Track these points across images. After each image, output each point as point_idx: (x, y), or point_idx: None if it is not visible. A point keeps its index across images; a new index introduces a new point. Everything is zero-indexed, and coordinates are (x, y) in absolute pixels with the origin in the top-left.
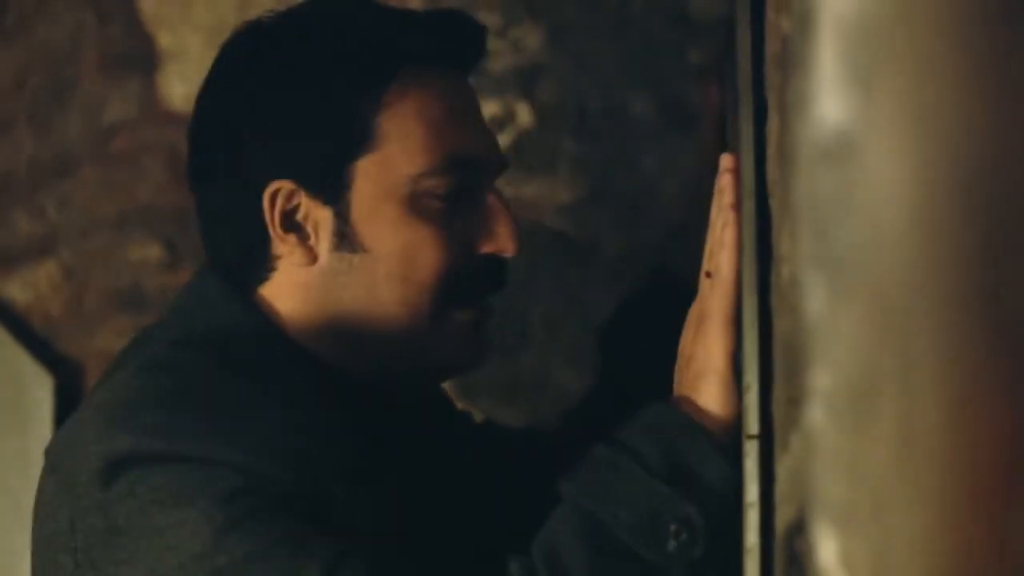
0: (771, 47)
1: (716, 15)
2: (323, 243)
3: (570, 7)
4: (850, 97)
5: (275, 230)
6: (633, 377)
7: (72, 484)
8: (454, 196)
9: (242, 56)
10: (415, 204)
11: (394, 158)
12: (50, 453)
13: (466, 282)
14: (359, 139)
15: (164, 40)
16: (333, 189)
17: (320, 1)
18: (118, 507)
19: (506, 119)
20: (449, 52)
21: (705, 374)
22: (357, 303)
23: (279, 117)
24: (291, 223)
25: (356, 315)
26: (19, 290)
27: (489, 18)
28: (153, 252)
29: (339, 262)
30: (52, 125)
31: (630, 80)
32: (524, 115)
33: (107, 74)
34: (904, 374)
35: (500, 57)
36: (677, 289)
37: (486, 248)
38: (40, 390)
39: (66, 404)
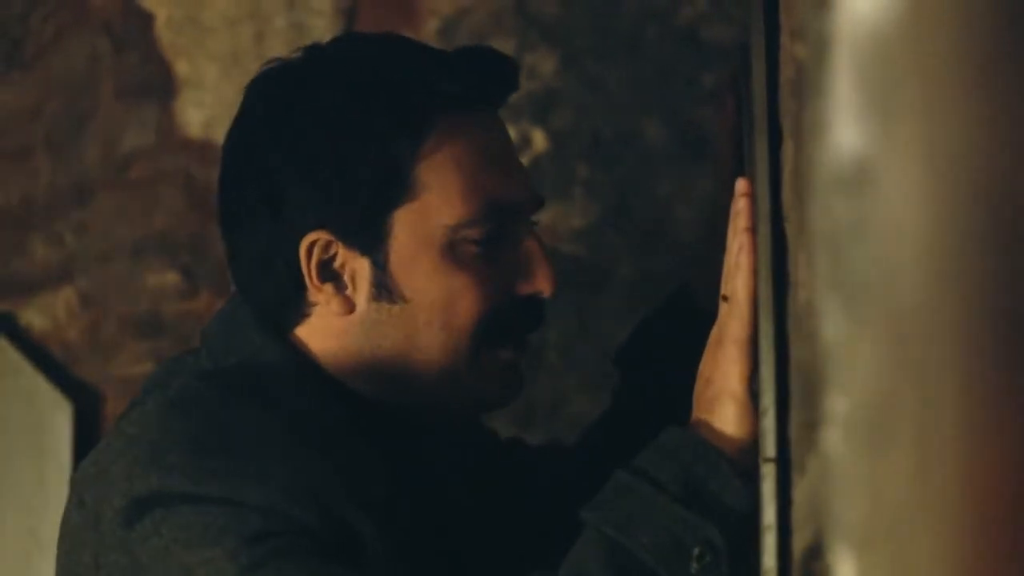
0: (786, 73)
1: (729, 40)
2: (361, 293)
3: (584, 33)
4: (866, 123)
5: (312, 281)
6: (648, 402)
7: (97, 521)
8: (492, 240)
9: (275, 99)
10: (453, 252)
11: (433, 208)
12: (76, 484)
13: (504, 323)
14: (398, 189)
15: (181, 68)
16: (371, 239)
17: (349, 40)
18: (142, 546)
19: (521, 145)
20: (484, 92)
21: (721, 397)
22: (396, 349)
23: (316, 166)
24: (328, 273)
25: (395, 359)
26: (37, 317)
27: (503, 44)
28: (170, 278)
29: (377, 312)
30: (69, 153)
31: (644, 105)
32: (539, 141)
33: (124, 102)
34: (922, 398)
35: None
36: (692, 313)
37: (524, 290)
38: (58, 416)
39: (84, 430)
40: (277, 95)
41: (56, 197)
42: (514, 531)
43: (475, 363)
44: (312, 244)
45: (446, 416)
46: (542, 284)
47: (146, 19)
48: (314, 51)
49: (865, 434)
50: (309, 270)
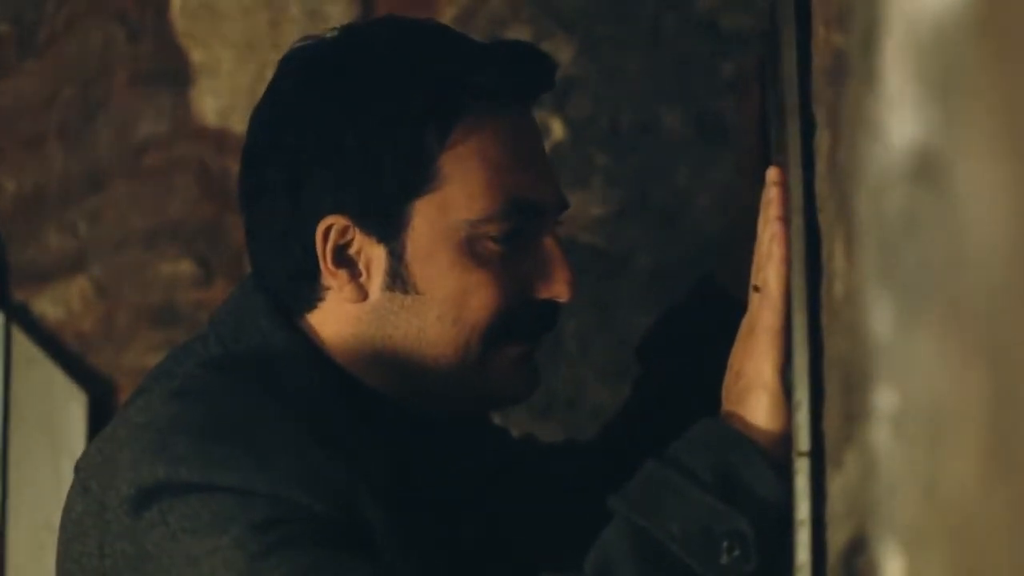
0: (820, 61)
1: (748, 28)
2: (375, 281)
3: (602, 21)
4: (923, 113)
5: (326, 265)
6: (665, 392)
7: (102, 508)
8: (512, 238)
9: (304, 78)
10: (472, 247)
11: (454, 201)
12: (81, 471)
13: (517, 324)
14: (420, 178)
15: (196, 55)
16: (389, 227)
17: (387, 23)
18: (149, 534)
19: None
20: (517, 87)
21: (754, 389)
22: (407, 341)
23: (339, 148)
24: (343, 258)
25: (405, 352)
26: (51, 306)
27: (521, 32)
28: (185, 267)
29: (390, 301)
30: (83, 141)
31: (662, 93)
32: (556, 129)
33: (138, 90)
34: (993, 399)
35: None
36: (713, 303)
37: (541, 293)
38: (73, 406)
39: (99, 420)
40: (307, 74)
41: (70, 186)
42: (521, 528)
43: (485, 360)
44: (329, 227)
45: (455, 410)
46: (560, 289)
47: (160, 6)
48: (350, 31)
49: (920, 431)
50: (324, 254)
